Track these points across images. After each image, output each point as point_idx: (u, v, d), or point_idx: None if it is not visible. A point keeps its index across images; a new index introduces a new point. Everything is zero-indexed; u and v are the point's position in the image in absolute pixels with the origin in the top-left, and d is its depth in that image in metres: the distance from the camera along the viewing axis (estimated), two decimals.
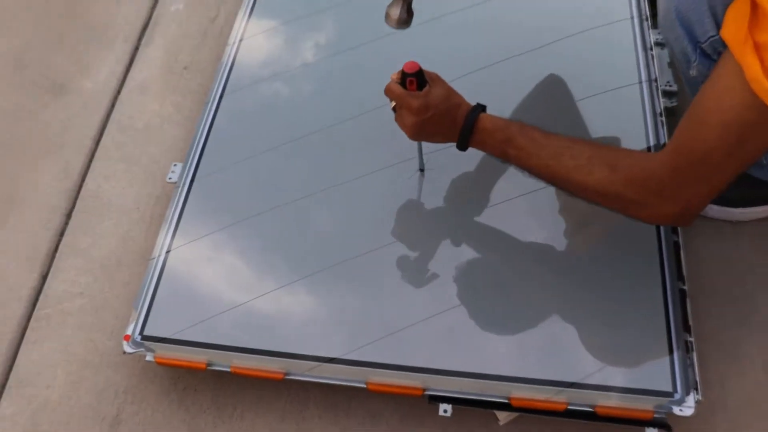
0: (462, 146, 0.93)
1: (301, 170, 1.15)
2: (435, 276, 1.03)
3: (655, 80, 1.19)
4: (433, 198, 1.10)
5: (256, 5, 1.36)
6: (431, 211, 1.10)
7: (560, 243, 1.04)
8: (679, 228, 1.04)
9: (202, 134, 1.20)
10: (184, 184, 1.15)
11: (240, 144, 1.19)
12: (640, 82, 1.17)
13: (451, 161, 1.06)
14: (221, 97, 1.25)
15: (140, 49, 1.44)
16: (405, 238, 1.07)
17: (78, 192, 1.27)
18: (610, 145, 1.01)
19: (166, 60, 1.42)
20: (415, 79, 0.89)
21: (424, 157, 1.09)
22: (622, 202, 0.87)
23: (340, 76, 1.26)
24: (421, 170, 1.11)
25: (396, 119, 0.94)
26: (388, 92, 0.92)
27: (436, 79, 0.93)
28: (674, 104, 1.21)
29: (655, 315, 0.97)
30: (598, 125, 1.14)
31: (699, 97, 0.80)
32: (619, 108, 1.15)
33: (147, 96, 1.38)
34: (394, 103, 0.93)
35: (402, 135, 0.96)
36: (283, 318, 1.01)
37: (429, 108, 0.90)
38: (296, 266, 1.05)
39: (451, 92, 0.93)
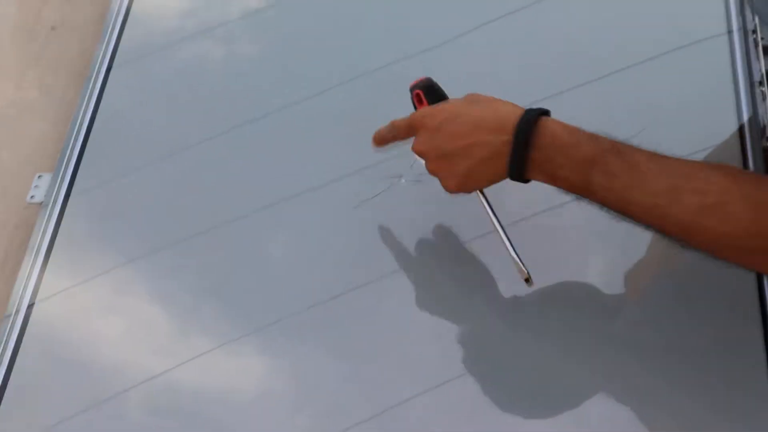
0: (516, 171, 0.78)
1: (239, 177, 1.01)
2: (448, 321, 0.89)
3: (754, 31, 1.01)
4: (432, 215, 0.94)
5: None
6: (441, 233, 0.94)
7: (618, 295, 0.89)
8: None
9: (80, 127, 1.06)
10: (53, 203, 1.01)
11: (141, 140, 1.05)
12: (730, 32, 1.04)
13: None
14: (109, 69, 1.10)
15: None
16: (402, 272, 0.93)
17: None
18: (747, 170, 0.87)
19: (23, 15, 1.28)
20: (421, 91, 0.82)
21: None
22: None
23: (299, 31, 1.12)
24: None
25: (427, 167, 0.82)
26: (392, 130, 0.83)
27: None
28: None
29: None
30: (660, 99, 0.99)
31: None
32: (697, 70, 1.01)
33: None
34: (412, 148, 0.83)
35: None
36: (224, 392, 0.88)
37: (458, 112, 0.79)
38: (237, 316, 0.92)
39: (486, 96, 0.82)
